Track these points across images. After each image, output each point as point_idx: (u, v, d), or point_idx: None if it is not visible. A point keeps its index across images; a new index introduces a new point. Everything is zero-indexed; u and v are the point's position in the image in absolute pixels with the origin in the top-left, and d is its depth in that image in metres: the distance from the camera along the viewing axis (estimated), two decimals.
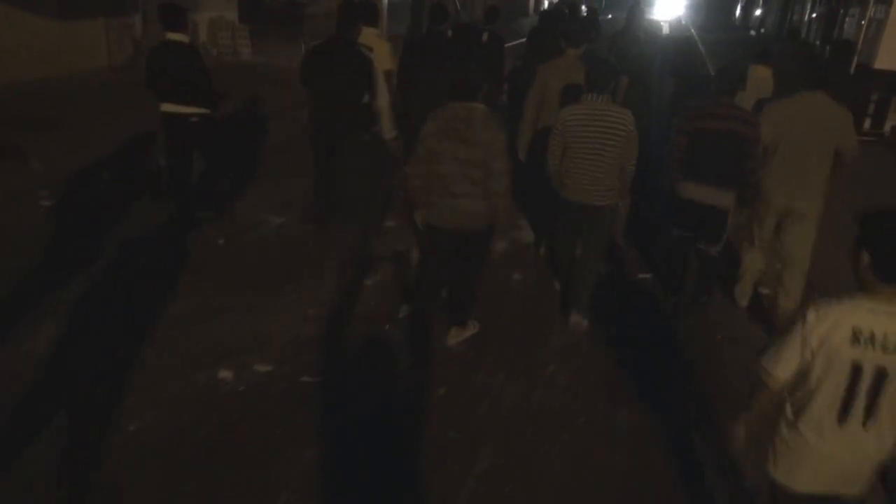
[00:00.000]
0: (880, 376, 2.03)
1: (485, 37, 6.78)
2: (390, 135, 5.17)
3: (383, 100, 5.17)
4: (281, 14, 18.68)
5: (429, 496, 3.10)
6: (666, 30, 7.26)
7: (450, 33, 5.99)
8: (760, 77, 6.33)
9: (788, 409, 2.22)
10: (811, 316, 2.07)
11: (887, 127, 10.29)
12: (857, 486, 2.21)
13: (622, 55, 6.01)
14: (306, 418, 3.48)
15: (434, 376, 3.91)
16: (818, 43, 16.32)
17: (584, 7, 13.12)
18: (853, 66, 9.85)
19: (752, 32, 15.42)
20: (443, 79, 4.18)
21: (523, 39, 7.90)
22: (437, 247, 4.04)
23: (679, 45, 6.44)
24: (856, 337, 2.02)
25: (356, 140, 5.06)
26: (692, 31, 7.83)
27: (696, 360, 4.32)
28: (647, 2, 21.71)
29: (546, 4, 31.98)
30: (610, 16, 25.28)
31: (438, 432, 3.45)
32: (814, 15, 19.98)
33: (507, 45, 7.37)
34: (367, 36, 5.33)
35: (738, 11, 33.69)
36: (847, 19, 14.42)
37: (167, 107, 5.14)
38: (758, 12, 28.93)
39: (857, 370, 2.04)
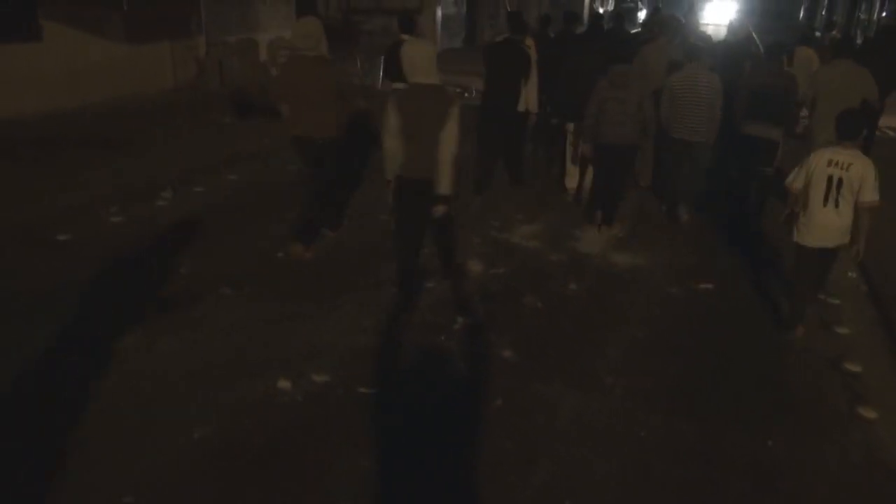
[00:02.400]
0: (840, 183, 4.14)
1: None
2: (534, 109, 6.97)
3: (532, 84, 6.86)
4: (337, 32, 19.12)
5: None
6: (722, 33, 8.43)
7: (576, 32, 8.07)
8: (805, 56, 8.05)
9: (802, 204, 4.33)
10: (811, 156, 4.29)
11: None
12: (833, 241, 4.34)
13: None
14: (363, 428, 3.50)
15: (490, 387, 3.89)
16: None
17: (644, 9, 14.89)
18: None
19: (818, 34, 15.08)
20: (586, 65, 6.43)
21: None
22: (603, 159, 6.06)
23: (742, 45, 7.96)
24: (829, 163, 4.17)
25: (517, 113, 6.84)
26: (753, 33, 8.54)
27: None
28: (700, 5, 22.18)
29: (601, 10, 31.91)
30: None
31: (495, 443, 3.42)
32: (884, 14, 19.26)
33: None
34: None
35: (801, 13, 32.71)
36: None
37: (396, 84, 6.37)
38: (823, 13, 28.03)
39: (830, 179, 4.17)
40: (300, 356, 4.06)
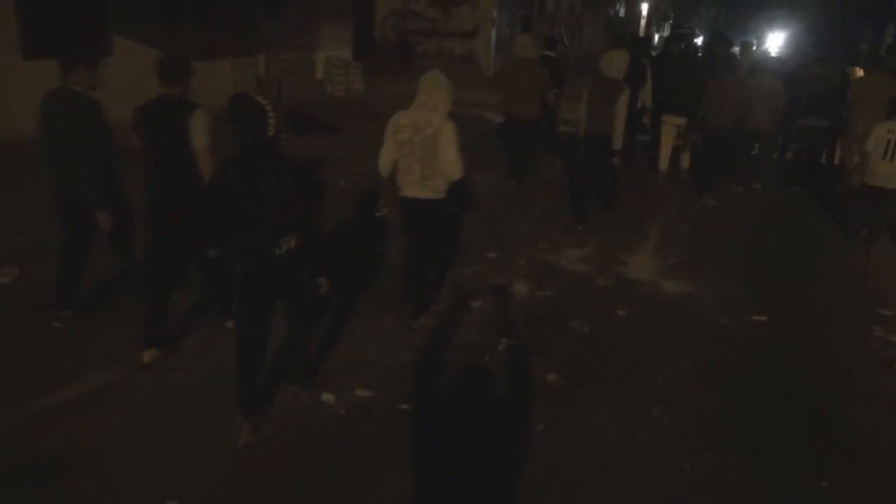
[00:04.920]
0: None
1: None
2: (649, 104, 8.86)
3: (648, 86, 8.66)
4: (393, 52, 19.45)
5: None
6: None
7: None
8: (856, 75, 9.55)
9: (868, 159, 6.55)
10: (875, 128, 6.54)
11: None
12: (890, 184, 6.45)
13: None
14: (403, 445, 3.50)
15: (532, 411, 3.85)
16: None
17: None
18: None
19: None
20: (683, 77, 8.55)
21: None
22: (709, 140, 8.08)
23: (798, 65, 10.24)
24: (888, 131, 6.41)
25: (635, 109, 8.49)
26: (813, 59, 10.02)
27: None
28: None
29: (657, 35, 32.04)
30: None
31: (535, 469, 3.38)
32: None
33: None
34: (620, 53, 7.19)
35: (864, 46, 32.04)
36: None
37: (512, 109, 7.94)
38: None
39: (888, 141, 6.38)
40: (344, 370, 4.09)
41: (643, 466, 3.44)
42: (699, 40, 19.89)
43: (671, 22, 42.44)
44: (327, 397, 3.81)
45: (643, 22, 35.88)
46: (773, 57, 12.23)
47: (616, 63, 6.68)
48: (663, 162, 9.18)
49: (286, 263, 3.21)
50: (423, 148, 4.21)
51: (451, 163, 4.21)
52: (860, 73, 9.73)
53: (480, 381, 4.20)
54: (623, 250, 6.39)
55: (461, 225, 6.15)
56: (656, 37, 35.11)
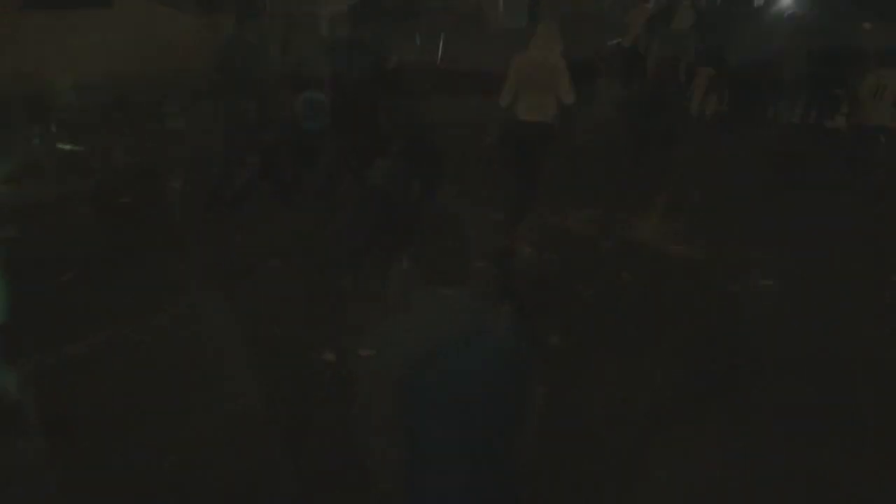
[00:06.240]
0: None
1: None
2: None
3: None
4: (398, 11, 19.02)
5: (522, 497, 3.01)
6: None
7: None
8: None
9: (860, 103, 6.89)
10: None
11: None
12: (872, 120, 6.72)
13: None
14: (404, 404, 3.46)
15: (534, 374, 3.79)
16: None
17: None
18: None
19: None
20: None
21: None
22: (735, 87, 9.11)
23: None
24: (878, 75, 6.56)
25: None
26: None
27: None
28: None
29: None
30: None
31: (535, 433, 3.34)
32: None
33: None
34: None
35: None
36: None
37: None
38: None
39: (877, 85, 6.50)
40: (347, 330, 4.06)
41: (645, 432, 3.43)
42: None
43: None
44: (329, 356, 3.80)
45: None
46: (789, 10, 12.08)
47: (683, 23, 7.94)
48: (695, 108, 10.05)
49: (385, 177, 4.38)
50: (539, 80, 5.18)
51: (565, 90, 5.18)
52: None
53: (482, 343, 4.16)
54: (630, 212, 6.30)
55: None
56: None
